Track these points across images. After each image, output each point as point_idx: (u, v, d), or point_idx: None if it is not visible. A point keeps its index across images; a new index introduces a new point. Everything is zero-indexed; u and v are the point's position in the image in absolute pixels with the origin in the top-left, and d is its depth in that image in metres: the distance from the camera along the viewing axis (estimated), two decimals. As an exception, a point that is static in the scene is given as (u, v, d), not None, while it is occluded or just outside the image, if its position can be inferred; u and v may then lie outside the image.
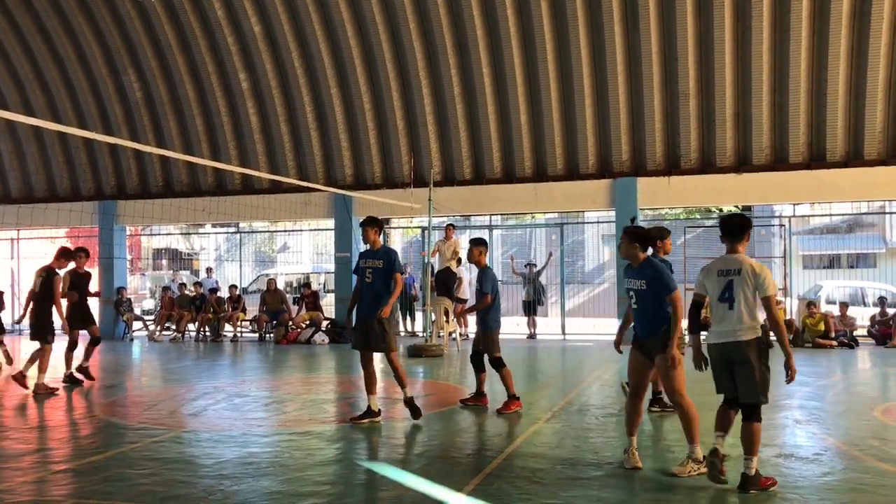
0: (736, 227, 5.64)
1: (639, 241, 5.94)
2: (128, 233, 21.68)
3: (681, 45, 15.56)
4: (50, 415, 8.57)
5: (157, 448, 6.77)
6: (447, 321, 14.83)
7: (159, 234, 27.03)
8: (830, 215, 27.54)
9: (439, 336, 14.68)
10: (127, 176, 20.12)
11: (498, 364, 8.48)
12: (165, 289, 20.43)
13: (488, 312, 8.51)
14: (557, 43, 16.21)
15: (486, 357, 8.58)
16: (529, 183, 17.20)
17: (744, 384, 5.39)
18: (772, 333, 5.71)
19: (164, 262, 33.40)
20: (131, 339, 19.09)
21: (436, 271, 15.95)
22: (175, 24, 18.05)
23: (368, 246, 8.03)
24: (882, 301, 17.22)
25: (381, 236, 8.19)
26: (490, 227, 21.27)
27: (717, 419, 5.55)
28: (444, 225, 16.95)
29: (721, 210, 27.20)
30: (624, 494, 5.25)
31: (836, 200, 16.96)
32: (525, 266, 19.44)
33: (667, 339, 5.80)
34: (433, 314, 14.81)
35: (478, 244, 8.69)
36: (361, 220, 8.22)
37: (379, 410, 7.78)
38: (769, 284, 5.40)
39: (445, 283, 16.06)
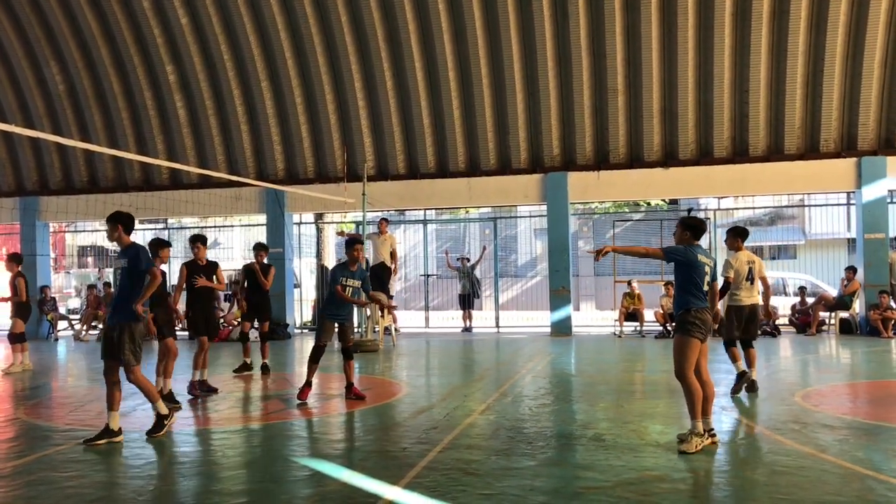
0: (747, 233, 9.05)
1: (687, 228, 6.49)
2: (51, 229, 21.00)
3: (609, 41, 15.85)
4: (-31, 418, 8.26)
5: (84, 449, 6.59)
6: (382, 316, 14.81)
7: (84, 231, 26.21)
8: (753, 208, 28.39)
9: (374, 331, 14.65)
10: (49, 171, 19.49)
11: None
12: (91, 287, 19.87)
13: None
14: (489, 38, 16.33)
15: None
16: (463, 178, 17.31)
17: (753, 328, 8.97)
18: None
19: (90, 259, 32.41)
20: (56, 339, 18.53)
21: (370, 266, 15.90)
22: (99, 14, 17.55)
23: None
24: (802, 291, 17.86)
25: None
26: (424, 222, 21.29)
27: (731, 356, 8.80)
28: (378, 220, 16.91)
29: (649, 203, 27.82)
30: (557, 483, 5.34)
31: (758, 194, 17.54)
32: (457, 259, 19.56)
33: (680, 320, 6.33)
34: (368, 309, 14.76)
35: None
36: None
37: (120, 429, 6.88)
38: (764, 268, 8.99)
39: (380, 277, 16.01)
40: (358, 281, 8.91)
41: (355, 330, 17.56)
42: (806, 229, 31.34)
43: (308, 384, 8.76)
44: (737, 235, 8.95)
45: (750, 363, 8.88)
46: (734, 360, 8.79)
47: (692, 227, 6.45)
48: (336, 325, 8.92)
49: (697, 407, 6.18)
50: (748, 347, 8.94)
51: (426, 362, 13.10)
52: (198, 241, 9.42)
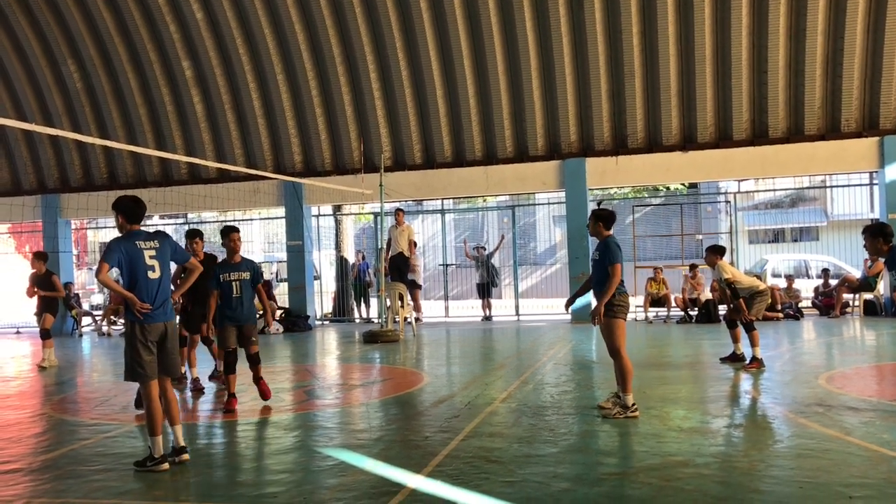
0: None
1: (600, 220, 7.09)
2: (73, 226, 21.20)
3: (625, 25, 15.72)
4: (-2, 414, 8.37)
5: (110, 444, 6.67)
6: (402, 306, 14.84)
7: (105, 228, 26.45)
8: (774, 190, 28.15)
9: (395, 321, 14.69)
10: (70, 168, 19.66)
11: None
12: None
13: None
14: (503, 25, 16.25)
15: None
16: (480, 166, 17.27)
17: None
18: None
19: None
20: (80, 335, 18.74)
21: (389, 257, 15.95)
22: (114, 11, 17.65)
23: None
24: (825, 273, 17.68)
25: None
26: (442, 212, 21.29)
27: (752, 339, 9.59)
28: (394, 210, 16.92)
29: (668, 188, 27.64)
30: (580, 469, 5.33)
31: (778, 176, 17.35)
32: (473, 248, 19.57)
33: (608, 304, 6.93)
34: (388, 300, 14.80)
35: None
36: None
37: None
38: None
39: (399, 268, 16.06)
40: (245, 272, 7.95)
41: (375, 320, 17.69)
42: (828, 210, 31.02)
43: (232, 395, 7.96)
44: (716, 252, 9.96)
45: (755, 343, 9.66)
46: (756, 342, 9.57)
47: (604, 217, 7.10)
48: (234, 327, 7.95)
49: (629, 382, 6.83)
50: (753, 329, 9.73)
51: (447, 351, 13.12)
52: (195, 236, 9.14)
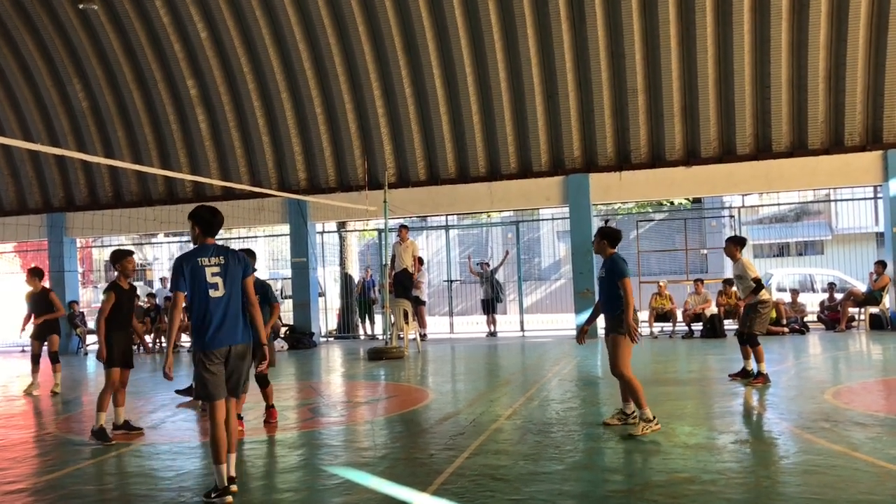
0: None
1: (605, 238, 7.18)
2: (78, 245, 21.27)
3: (627, 41, 15.78)
4: (2, 434, 8.37)
5: (115, 463, 6.67)
6: (406, 323, 14.84)
7: (111, 246, 26.52)
8: (778, 205, 28.16)
9: (399, 338, 14.68)
10: (75, 187, 19.75)
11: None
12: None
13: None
14: (506, 42, 16.33)
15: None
16: (483, 182, 17.30)
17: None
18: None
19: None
20: (85, 353, 18.74)
21: (393, 273, 15.97)
22: (119, 31, 17.78)
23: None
24: (831, 287, 17.64)
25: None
26: (446, 227, 21.30)
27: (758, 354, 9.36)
28: (398, 227, 16.96)
29: (672, 203, 27.64)
30: (585, 487, 5.31)
31: (782, 190, 17.36)
32: (477, 265, 19.60)
33: (617, 321, 6.95)
34: (392, 316, 14.80)
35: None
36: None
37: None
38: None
39: (403, 284, 16.08)
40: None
41: (380, 337, 17.68)
42: (833, 224, 31.00)
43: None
44: (737, 243, 9.68)
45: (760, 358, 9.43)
46: (761, 358, 9.39)
47: (610, 235, 7.18)
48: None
49: (642, 397, 6.80)
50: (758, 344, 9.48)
51: (451, 368, 13.10)
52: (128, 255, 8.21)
